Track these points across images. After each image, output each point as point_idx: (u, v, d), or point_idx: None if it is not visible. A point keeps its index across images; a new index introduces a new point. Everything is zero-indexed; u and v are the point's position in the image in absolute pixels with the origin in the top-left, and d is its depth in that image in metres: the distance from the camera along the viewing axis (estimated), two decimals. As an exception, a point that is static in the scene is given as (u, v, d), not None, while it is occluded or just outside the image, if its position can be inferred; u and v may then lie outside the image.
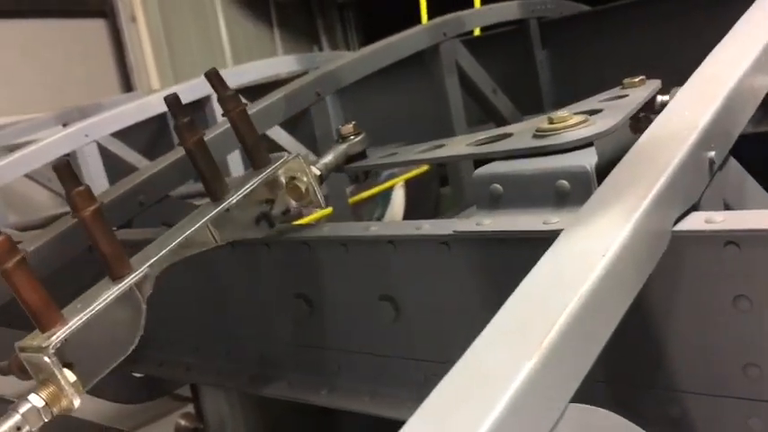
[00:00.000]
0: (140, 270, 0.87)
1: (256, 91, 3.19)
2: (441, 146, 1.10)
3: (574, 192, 0.84)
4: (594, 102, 1.07)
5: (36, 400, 0.77)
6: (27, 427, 0.76)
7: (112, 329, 0.84)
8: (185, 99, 2.76)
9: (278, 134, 2.74)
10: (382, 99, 2.77)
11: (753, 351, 0.74)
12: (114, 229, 1.40)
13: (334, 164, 1.14)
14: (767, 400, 0.75)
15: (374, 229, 1.02)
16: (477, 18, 2.32)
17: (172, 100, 0.96)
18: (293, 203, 1.08)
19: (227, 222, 1.00)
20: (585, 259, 0.63)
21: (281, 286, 1.19)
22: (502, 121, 2.41)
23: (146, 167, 1.49)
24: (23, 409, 0.76)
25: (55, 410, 0.78)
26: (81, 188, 0.82)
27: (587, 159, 0.85)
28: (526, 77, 2.63)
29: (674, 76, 2.16)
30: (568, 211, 0.84)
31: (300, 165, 1.06)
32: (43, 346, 0.78)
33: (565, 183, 0.85)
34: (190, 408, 2.40)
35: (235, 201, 1.00)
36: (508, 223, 0.87)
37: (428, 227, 0.96)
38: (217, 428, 3.04)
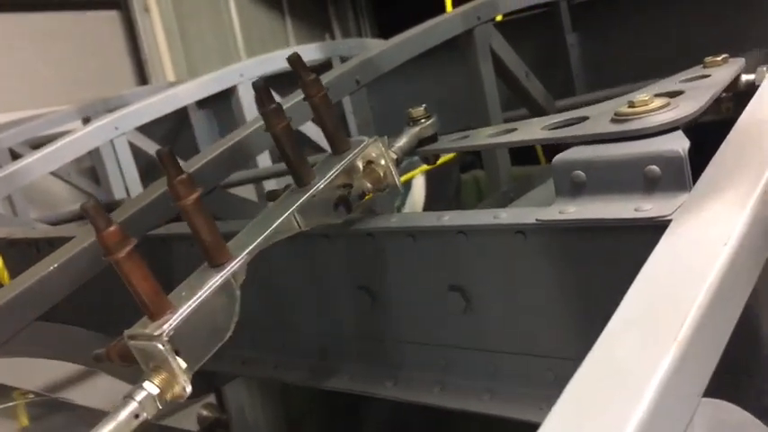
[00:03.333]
0: (240, 257, 0.87)
1: (277, 80, 3.16)
2: (512, 130, 1.07)
3: (665, 177, 0.82)
4: (674, 82, 1.04)
5: (151, 387, 0.77)
6: (144, 414, 0.76)
7: (212, 316, 0.84)
8: (211, 91, 2.74)
9: (306, 127, 2.72)
10: (410, 86, 2.74)
11: None
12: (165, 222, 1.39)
13: (408, 147, 1.13)
14: None
15: (446, 218, 1.00)
16: (509, 1, 2.29)
17: (259, 85, 0.95)
18: (369, 187, 1.06)
19: (309, 208, 0.99)
20: (707, 249, 0.61)
21: (342, 278, 1.17)
22: (534, 106, 2.38)
23: (194, 159, 1.47)
24: (140, 396, 0.76)
25: (168, 397, 0.78)
26: (183, 176, 0.82)
27: (679, 143, 0.82)
28: (557, 61, 2.60)
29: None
30: (659, 198, 0.82)
31: (379, 149, 1.05)
32: (156, 334, 0.78)
33: (655, 168, 0.82)
34: (211, 398, 2.39)
35: (322, 186, 0.99)
36: (596, 211, 0.85)
37: (506, 216, 0.94)
38: (238, 418, 3.04)
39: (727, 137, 0.77)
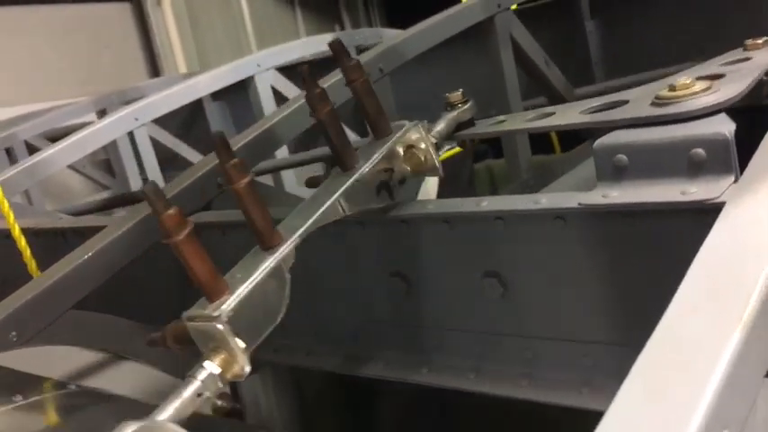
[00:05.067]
0: (290, 241, 0.89)
1: (291, 69, 3.17)
2: (550, 114, 1.07)
3: (711, 160, 0.82)
4: (715, 65, 1.03)
5: (212, 366, 0.78)
6: (207, 393, 0.77)
7: (265, 299, 0.85)
8: (229, 81, 2.74)
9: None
10: (430, 75, 2.73)
11: None
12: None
13: (446, 132, 1.13)
14: None
15: (485, 204, 1.00)
16: (529, -12, 2.28)
17: (304, 70, 0.96)
18: (410, 171, 1.07)
19: (353, 193, 1.00)
20: (765, 230, 0.60)
21: (376, 265, 1.17)
22: (554, 94, 2.37)
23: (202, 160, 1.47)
24: (202, 375, 0.77)
25: (228, 377, 0.79)
26: (236, 161, 0.83)
27: (725, 126, 0.82)
28: (575, 48, 2.59)
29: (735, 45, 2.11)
30: (705, 181, 0.81)
31: (419, 133, 1.05)
32: (215, 314, 0.79)
33: (701, 151, 0.82)
34: (226, 388, 2.40)
35: (366, 170, 0.99)
36: (641, 195, 0.84)
37: (546, 201, 0.94)
38: (253, 408, 3.04)
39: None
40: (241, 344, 0.81)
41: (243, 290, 0.83)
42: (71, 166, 3.71)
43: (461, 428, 1.49)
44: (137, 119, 2.40)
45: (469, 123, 1.18)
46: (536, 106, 2.49)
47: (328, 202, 0.96)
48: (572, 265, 0.95)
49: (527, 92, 2.50)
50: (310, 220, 0.93)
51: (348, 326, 1.24)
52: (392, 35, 3.38)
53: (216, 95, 3.71)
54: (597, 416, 0.50)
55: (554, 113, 1.08)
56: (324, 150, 2.90)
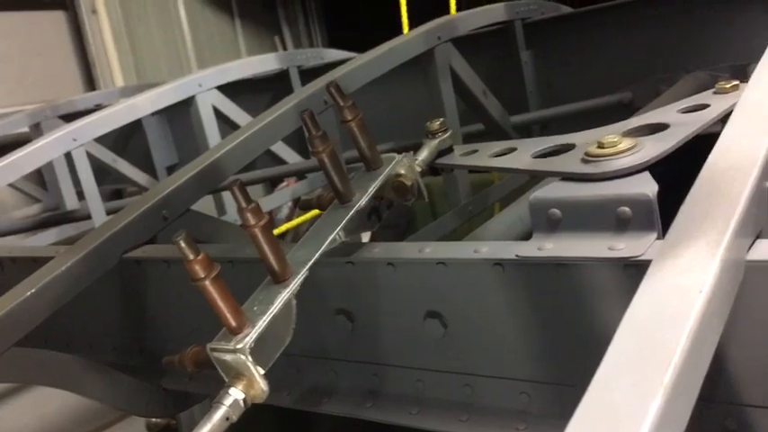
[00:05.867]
0: (301, 273, 0.98)
1: (231, 88, 3.17)
2: (513, 149, 1.15)
3: (636, 218, 0.88)
4: (672, 111, 1.10)
5: (236, 392, 0.88)
6: (234, 417, 0.87)
7: (276, 326, 0.94)
8: (170, 101, 2.73)
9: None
10: (373, 102, 2.78)
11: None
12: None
13: (429, 160, 1.20)
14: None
15: (428, 251, 1.05)
16: (467, 21, 2.35)
17: (306, 115, 1.01)
18: (396, 198, 1.16)
19: (349, 222, 1.08)
20: (685, 296, 0.67)
21: (322, 302, 1.21)
22: (491, 122, 2.45)
23: (167, 181, 1.48)
24: (228, 401, 0.87)
25: (250, 400, 0.89)
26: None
27: (648, 186, 0.89)
28: (511, 78, 2.68)
29: (662, 72, 2.21)
30: (630, 237, 0.88)
31: (407, 165, 1.15)
32: (239, 347, 0.89)
33: (626, 209, 0.89)
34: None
35: (364, 202, 1.09)
36: (572, 249, 0.91)
37: (486, 250, 0.99)
38: (188, 423, 3.04)
39: (695, 182, 0.83)
40: (261, 370, 0.91)
41: (262, 323, 0.92)
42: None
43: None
44: (75, 139, 2.37)
45: (449, 151, 1.26)
46: (475, 132, 2.57)
47: (333, 235, 1.03)
48: (510, 308, 1.01)
49: (466, 118, 2.58)
50: (318, 253, 1.02)
51: (294, 361, 1.27)
52: (333, 55, 3.44)
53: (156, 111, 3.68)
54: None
55: (516, 149, 1.15)
56: (290, 167, 2.93)
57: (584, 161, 0.99)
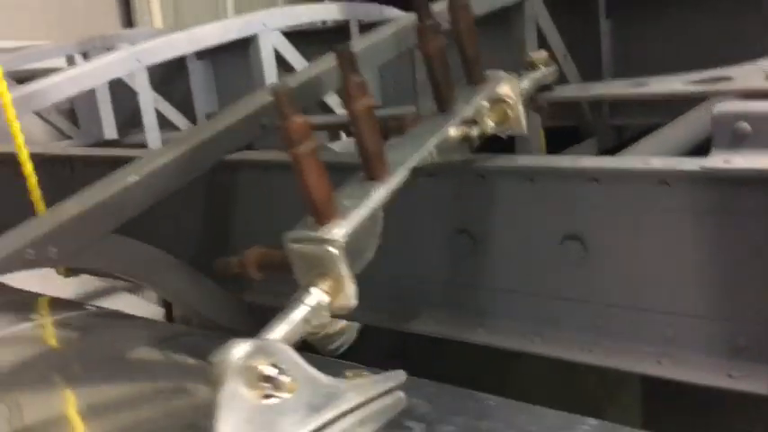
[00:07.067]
0: (401, 173, 0.82)
1: (296, 37, 3.08)
2: (643, 83, 1.05)
3: (843, 135, 0.81)
4: None
5: (320, 294, 0.72)
6: (313, 322, 0.71)
7: (362, 234, 0.79)
8: (234, 35, 2.63)
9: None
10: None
11: None
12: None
13: (530, 91, 1.09)
14: None
15: (585, 162, 0.98)
16: (557, -23, 2.27)
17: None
18: (493, 127, 1.02)
19: (443, 139, 0.94)
20: None
21: (440, 220, 1.13)
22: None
23: (265, 91, 1.41)
24: (311, 301, 0.72)
25: (335, 306, 0.74)
26: (360, 79, 0.76)
27: None
28: (588, 45, 2.59)
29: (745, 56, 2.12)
30: (835, 156, 0.81)
31: (513, 87, 1.01)
32: (330, 238, 0.73)
33: (832, 125, 0.82)
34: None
35: (466, 114, 0.94)
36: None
37: (658, 162, 0.92)
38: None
39: None
40: (350, 272, 0.75)
41: (357, 217, 0.78)
42: (36, 112, 3.53)
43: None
44: (139, 60, 2.29)
45: (548, 89, 1.16)
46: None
47: (435, 140, 0.92)
48: (667, 232, 0.93)
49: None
50: (417, 154, 0.88)
51: (400, 280, 1.19)
52: (394, 13, 3.35)
53: (200, 55, 3.59)
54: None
55: (647, 84, 1.07)
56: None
57: (772, 79, 0.91)
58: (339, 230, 0.75)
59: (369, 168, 0.83)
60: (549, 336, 1.06)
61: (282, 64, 2.90)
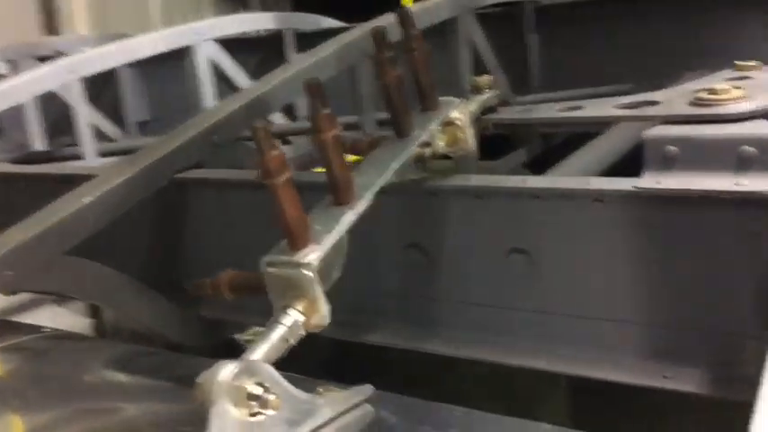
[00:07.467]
0: (367, 197, 0.87)
1: (228, 45, 3.08)
2: (579, 107, 1.13)
3: (760, 158, 0.90)
4: (720, 79, 1.12)
5: (296, 314, 0.77)
6: (291, 341, 0.76)
7: (330, 257, 0.84)
8: (169, 46, 2.62)
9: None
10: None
11: None
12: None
13: (475, 114, 1.16)
14: None
15: (530, 182, 1.05)
16: (489, -7, 2.37)
17: (378, 34, 0.95)
18: (443, 148, 1.09)
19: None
20: None
21: (392, 235, 1.18)
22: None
23: (216, 108, 1.44)
24: (288, 321, 0.76)
25: (310, 325, 0.79)
26: (328, 111, 0.81)
27: (773, 129, 0.91)
28: (517, 59, 2.70)
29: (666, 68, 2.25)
30: (754, 176, 0.90)
31: (463, 111, 1.07)
32: (305, 262, 0.78)
33: (751, 149, 0.91)
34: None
35: (423, 139, 1.00)
36: (695, 183, 0.92)
37: (594, 183, 0.99)
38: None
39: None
40: (323, 293, 0.81)
41: (329, 241, 0.83)
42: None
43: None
44: (72, 72, 2.26)
45: (492, 110, 1.23)
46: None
47: (395, 164, 0.97)
48: (604, 246, 1.01)
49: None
50: (381, 178, 0.93)
51: (359, 295, 1.24)
52: (329, 23, 3.38)
53: (131, 64, 3.54)
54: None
55: (582, 108, 1.15)
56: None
57: (696, 105, 1.00)
58: (314, 255, 0.80)
59: (337, 194, 0.88)
60: (498, 343, 1.13)
61: (218, 73, 2.90)
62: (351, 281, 1.23)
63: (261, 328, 0.80)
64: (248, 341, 0.82)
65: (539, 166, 2.43)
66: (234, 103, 1.43)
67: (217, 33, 2.82)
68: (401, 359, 1.37)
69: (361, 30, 1.76)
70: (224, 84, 2.88)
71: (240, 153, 1.43)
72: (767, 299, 0.86)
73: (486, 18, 2.74)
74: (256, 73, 2.95)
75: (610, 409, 1.51)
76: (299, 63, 1.56)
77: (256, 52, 3.36)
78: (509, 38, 2.76)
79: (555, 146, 2.71)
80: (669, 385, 0.99)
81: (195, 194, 1.36)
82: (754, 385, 0.86)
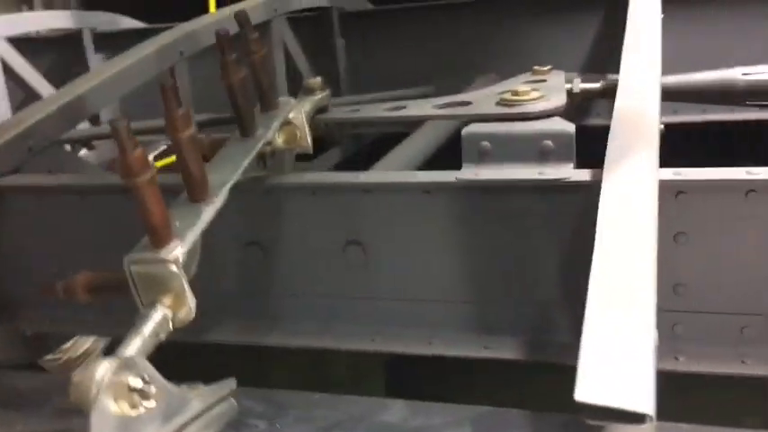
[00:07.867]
0: (223, 193, 0.91)
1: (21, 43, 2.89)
2: (402, 107, 1.23)
3: (557, 150, 1.05)
4: (520, 82, 1.28)
5: (163, 309, 0.79)
6: (161, 336, 0.78)
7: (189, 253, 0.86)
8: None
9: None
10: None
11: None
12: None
13: (309, 114, 1.22)
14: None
15: (362, 177, 1.13)
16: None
17: (223, 35, 0.98)
18: (282, 145, 1.14)
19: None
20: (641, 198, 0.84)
21: (230, 234, 1.21)
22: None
23: (30, 111, 1.37)
24: (157, 317, 0.78)
25: (178, 319, 0.81)
26: (184, 111, 0.83)
27: (568, 125, 1.06)
28: (327, 61, 2.79)
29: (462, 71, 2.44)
30: (553, 166, 1.05)
31: (300, 110, 1.13)
32: (170, 258, 0.81)
33: (549, 143, 1.05)
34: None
35: (268, 137, 1.05)
36: (506, 174, 1.05)
37: (422, 176, 1.10)
38: None
39: (612, 125, 1.02)
40: (189, 287, 0.83)
41: (192, 237, 0.86)
42: None
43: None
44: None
45: (325, 110, 1.30)
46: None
47: (246, 161, 1.01)
48: (432, 234, 1.11)
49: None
50: (235, 175, 0.98)
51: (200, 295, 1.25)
52: (127, 23, 3.27)
53: None
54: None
55: (406, 107, 1.25)
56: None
57: (502, 105, 1.14)
58: (179, 250, 0.83)
59: (194, 192, 0.91)
60: (337, 331, 1.20)
61: (9, 72, 2.71)
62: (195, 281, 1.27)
63: (81, 338, 0.81)
64: (51, 361, 0.83)
65: (353, 165, 2.55)
66: (49, 106, 1.38)
67: (9, 31, 2.64)
68: (239, 356, 1.40)
69: (180, 31, 1.75)
70: (14, 83, 2.70)
71: (59, 157, 1.39)
72: (571, 270, 1.01)
73: (297, 22, 2.82)
74: (50, 73, 2.80)
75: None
76: (118, 63, 1.53)
77: (49, 52, 3.17)
78: (320, 42, 2.85)
79: (365, 145, 2.85)
80: (488, 354, 1.12)
81: (11, 201, 1.30)
82: (565, 348, 1.02)
